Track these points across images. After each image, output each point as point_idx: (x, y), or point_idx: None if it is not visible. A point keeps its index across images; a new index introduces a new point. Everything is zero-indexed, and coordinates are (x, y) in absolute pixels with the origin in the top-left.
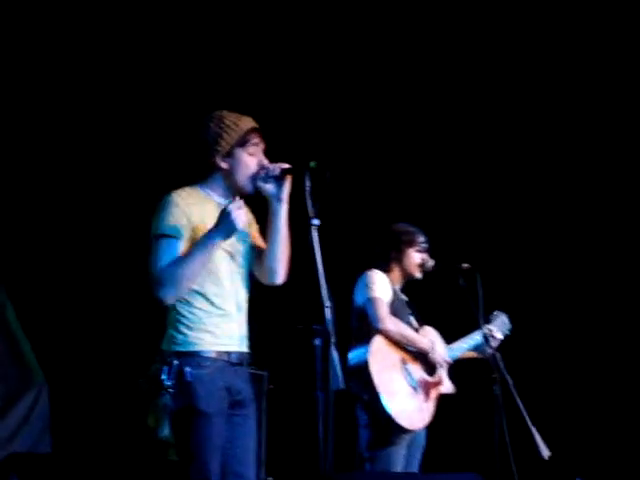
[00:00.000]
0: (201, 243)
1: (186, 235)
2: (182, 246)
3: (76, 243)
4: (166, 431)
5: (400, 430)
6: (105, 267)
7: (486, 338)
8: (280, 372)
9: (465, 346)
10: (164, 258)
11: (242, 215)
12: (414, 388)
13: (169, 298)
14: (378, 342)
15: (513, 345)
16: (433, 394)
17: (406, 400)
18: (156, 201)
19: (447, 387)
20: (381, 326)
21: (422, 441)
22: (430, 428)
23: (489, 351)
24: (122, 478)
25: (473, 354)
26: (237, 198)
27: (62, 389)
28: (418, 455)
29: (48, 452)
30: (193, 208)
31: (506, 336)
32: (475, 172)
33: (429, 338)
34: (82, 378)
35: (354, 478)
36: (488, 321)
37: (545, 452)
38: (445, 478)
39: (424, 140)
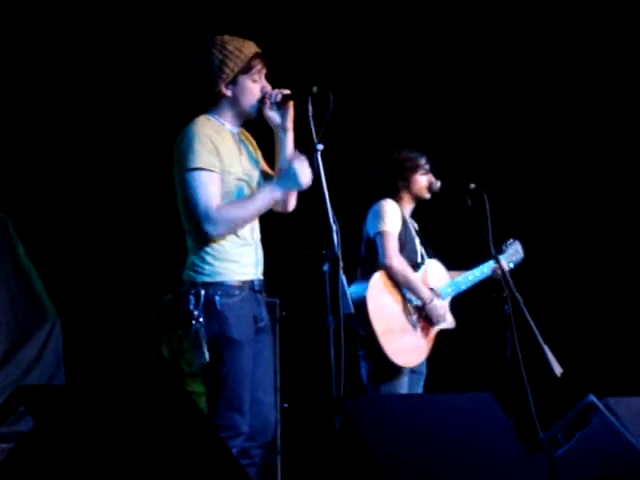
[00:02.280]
0: (262, 195)
1: (219, 167)
2: (219, 179)
3: (84, 176)
4: (206, 356)
5: (395, 367)
6: (113, 201)
7: (494, 272)
8: (290, 299)
9: (470, 278)
10: (209, 193)
11: (306, 170)
12: (413, 325)
13: (218, 235)
14: (379, 278)
15: (523, 263)
16: (432, 332)
17: (403, 338)
18: (168, 130)
19: (448, 322)
20: (387, 262)
21: (424, 369)
22: (442, 348)
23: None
24: (136, 409)
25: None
26: (299, 153)
27: (74, 323)
28: (420, 382)
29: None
30: (217, 138)
31: (517, 265)
32: (481, 91)
33: (433, 285)
34: (93, 311)
35: (366, 401)
36: (500, 250)
37: (557, 369)
38: (458, 397)
39: (426, 60)
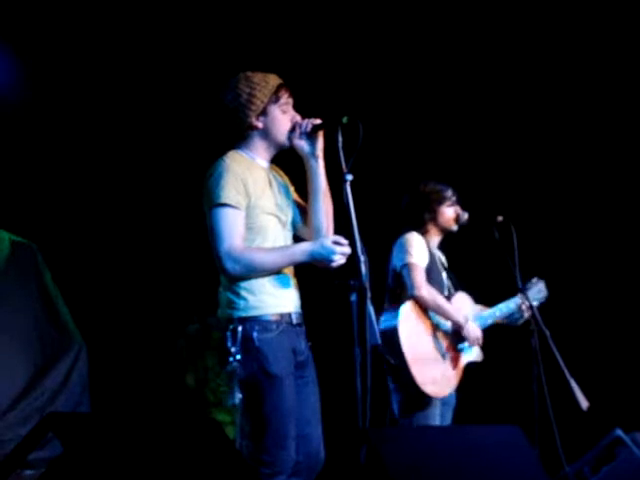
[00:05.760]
0: (290, 255)
1: (245, 204)
2: (243, 217)
3: (112, 206)
4: (236, 398)
5: (427, 397)
6: (141, 232)
7: (519, 308)
8: (317, 329)
9: (497, 313)
10: (233, 230)
11: (342, 260)
12: (442, 355)
13: (235, 275)
14: (410, 308)
15: (550, 297)
16: (461, 363)
17: (433, 367)
18: (201, 165)
19: (475, 355)
20: (417, 293)
21: (453, 401)
22: (469, 381)
23: (520, 322)
24: (163, 437)
25: (503, 321)
26: (346, 243)
27: (100, 350)
28: (449, 415)
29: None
30: (247, 173)
31: (541, 303)
32: (510, 124)
33: (464, 313)
34: (118, 338)
35: (392, 432)
36: (524, 289)
37: (584, 403)
38: (485, 430)
39: (456, 93)
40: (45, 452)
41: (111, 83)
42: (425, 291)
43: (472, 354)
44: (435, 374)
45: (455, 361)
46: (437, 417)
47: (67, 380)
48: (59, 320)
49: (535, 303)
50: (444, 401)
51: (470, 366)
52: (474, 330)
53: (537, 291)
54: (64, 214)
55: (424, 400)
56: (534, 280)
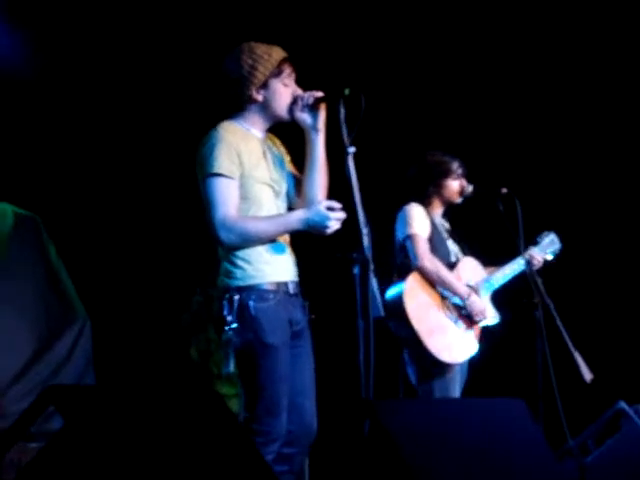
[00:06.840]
0: (284, 223)
1: (238, 174)
2: (237, 186)
3: (115, 179)
4: (231, 367)
5: (444, 363)
6: (143, 204)
7: (528, 262)
8: (320, 301)
9: (508, 272)
10: (227, 200)
11: (336, 226)
12: (454, 322)
13: (230, 244)
14: (414, 279)
15: (554, 268)
16: (475, 326)
17: (445, 334)
18: (192, 136)
19: (491, 318)
20: (419, 264)
21: (465, 372)
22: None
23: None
24: (165, 410)
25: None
26: (339, 208)
27: (103, 324)
28: (460, 386)
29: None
30: (241, 144)
31: (556, 255)
32: (513, 95)
33: (469, 280)
34: (122, 312)
35: (395, 405)
36: (535, 242)
37: (587, 375)
38: (488, 402)
39: (462, 63)
40: (51, 424)
41: (111, 44)
42: (428, 262)
43: (487, 319)
44: (449, 340)
45: (469, 325)
46: (457, 383)
47: (71, 354)
48: (63, 294)
49: (549, 256)
50: (459, 371)
51: (485, 330)
52: (476, 303)
53: (549, 243)
54: (67, 187)
55: (441, 368)
56: (545, 233)
